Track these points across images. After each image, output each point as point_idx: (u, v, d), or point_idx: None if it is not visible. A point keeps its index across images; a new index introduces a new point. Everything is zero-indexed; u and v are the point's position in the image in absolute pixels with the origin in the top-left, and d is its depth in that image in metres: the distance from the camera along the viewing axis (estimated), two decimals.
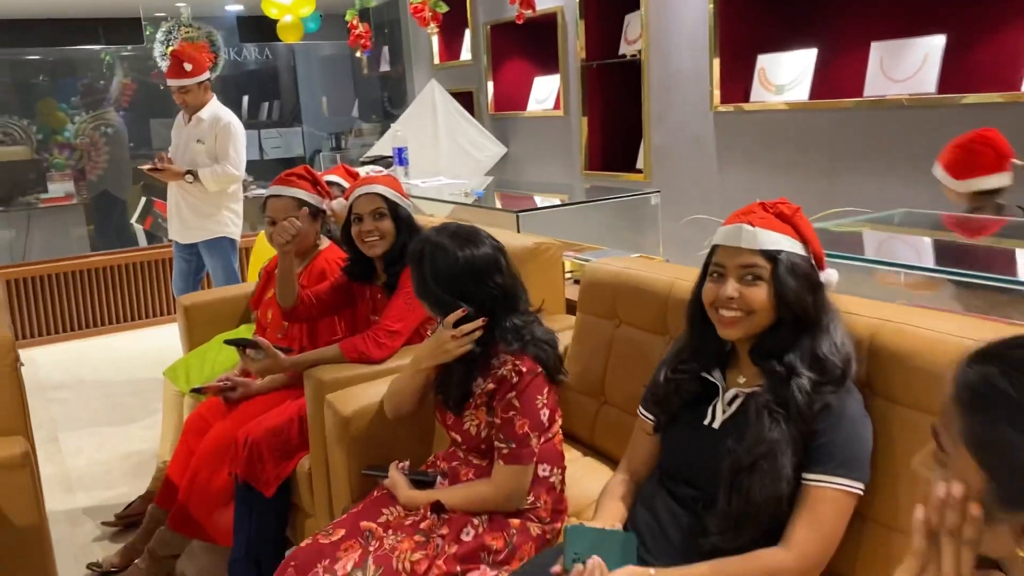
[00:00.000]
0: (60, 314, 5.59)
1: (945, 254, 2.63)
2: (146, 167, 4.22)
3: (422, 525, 1.77)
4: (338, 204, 2.70)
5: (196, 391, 2.81)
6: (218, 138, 4.13)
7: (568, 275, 3.17)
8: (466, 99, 5.92)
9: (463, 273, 1.81)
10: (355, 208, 2.41)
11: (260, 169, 7.14)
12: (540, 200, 4.42)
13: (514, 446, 1.75)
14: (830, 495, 1.40)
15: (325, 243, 2.81)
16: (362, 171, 4.43)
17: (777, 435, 1.40)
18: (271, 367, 2.44)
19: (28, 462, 1.84)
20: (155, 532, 2.66)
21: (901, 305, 1.71)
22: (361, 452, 2.07)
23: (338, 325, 2.69)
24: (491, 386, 1.77)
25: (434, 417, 2.04)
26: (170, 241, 4.51)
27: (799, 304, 1.45)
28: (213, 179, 4.12)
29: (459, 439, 1.88)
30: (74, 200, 6.62)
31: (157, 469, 3.07)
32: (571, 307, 2.67)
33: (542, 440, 1.79)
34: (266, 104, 8.21)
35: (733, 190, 4.03)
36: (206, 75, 4.17)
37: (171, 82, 4.11)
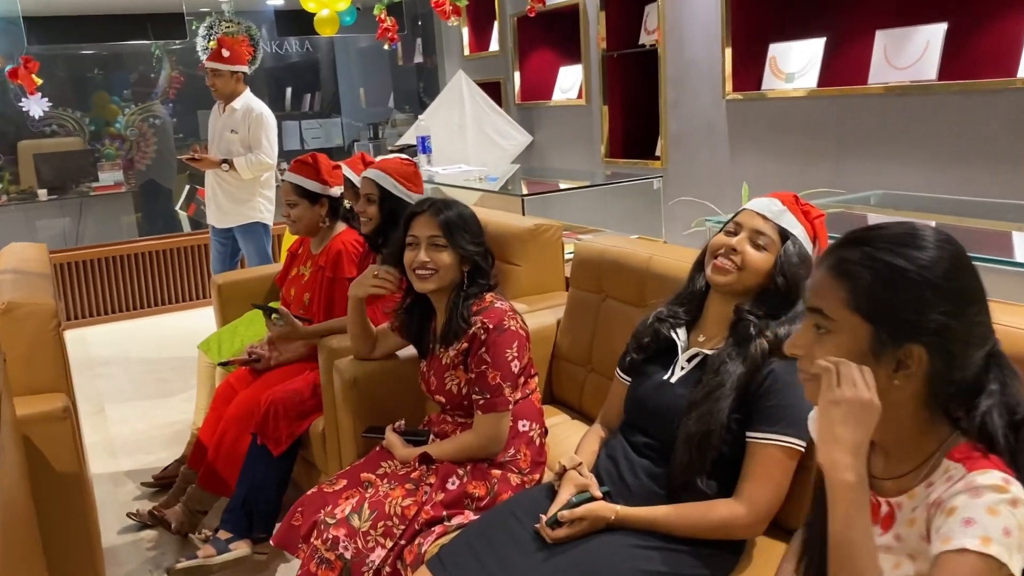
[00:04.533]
0: (110, 296, 5.92)
1: None
2: (184, 157, 4.47)
3: (412, 475, 1.96)
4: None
5: (223, 364, 3.04)
6: (251, 128, 4.32)
7: (569, 256, 3.33)
8: (494, 89, 6.07)
9: (474, 219, 2.06)
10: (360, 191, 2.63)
11: None
12: (561, 186, 4.57)
13: (489, 396, 1.93)
14: (777, 452, 1.55)
15: (341, 227, 2.97)
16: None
17: (723, 377, 1.57)
18: (290, 333, 2.69)
19: (68, 415, 2.05)
20: (187, 489, 2.90)
21: None
22: (365, 413, 2.26)
23: None
24: (464, 345, 1.95)
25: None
26: (208, 226, 4.76)
27: (795, 280, 1.62)
28: (247, 167, 4.34)
29: (443, 400, 2.07)
30: (123, 188, 6.89)
31: (191, 435, 3.30)
32: None
33: (518, 395, 1.96)
34: (308, 95, 8.42)
35: (744, 175, 4.13)
36: (241, 67, 4.37)
37: (207, 64, 4.34)
